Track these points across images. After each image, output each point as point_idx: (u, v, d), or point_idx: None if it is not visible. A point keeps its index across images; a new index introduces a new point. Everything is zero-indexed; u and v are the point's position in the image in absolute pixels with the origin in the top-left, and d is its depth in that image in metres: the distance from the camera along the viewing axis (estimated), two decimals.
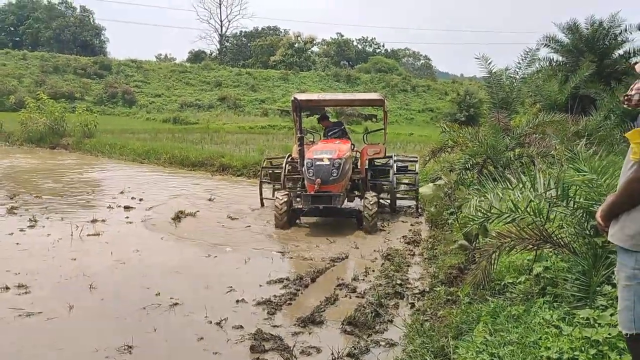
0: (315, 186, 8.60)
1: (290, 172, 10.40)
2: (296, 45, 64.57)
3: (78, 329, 4.95)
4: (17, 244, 7.63)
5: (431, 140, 17.38)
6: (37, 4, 69.53)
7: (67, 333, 4.84)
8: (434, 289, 5.64)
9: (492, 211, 4.29)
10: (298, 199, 9.28)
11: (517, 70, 11.82)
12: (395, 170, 10.36)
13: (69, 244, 7.70)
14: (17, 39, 68.36)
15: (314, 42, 69.04)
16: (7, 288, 5.79)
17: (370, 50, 78.04)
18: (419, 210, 10.46)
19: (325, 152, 8.98)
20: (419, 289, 5.91)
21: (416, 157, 11.30)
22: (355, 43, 76.98)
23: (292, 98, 10.07)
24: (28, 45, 64.31)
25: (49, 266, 6.70)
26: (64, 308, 5.31)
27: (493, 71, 11.51)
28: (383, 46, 79.30)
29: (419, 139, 27.64)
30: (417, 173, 10.69)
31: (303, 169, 9.11)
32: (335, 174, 8.70)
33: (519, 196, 4.20)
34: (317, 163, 8.72)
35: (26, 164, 17.94)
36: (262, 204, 10.76)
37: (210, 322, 5.01)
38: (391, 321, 5.05)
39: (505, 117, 11.58)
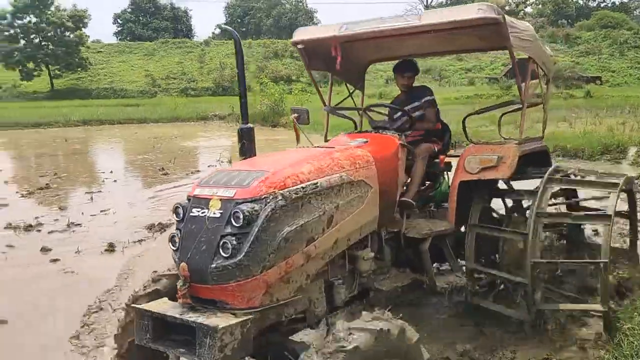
0: (180, 285, 2.87)
1: None
2: (507, 7, 60.69)
3: None
4: None
5: None
6: None
7: None
8: None
9: None
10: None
11: None
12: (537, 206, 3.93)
13: None
14: (244, 29, 76.42)
15: (527, 2, 64.17)
16: None
17: (594, 4, 69.72)
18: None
19: (231, 177, 3.06)
20: None
21: (618, 180, 4.10)
22: None
23: (293, 40, 4.66)
24: (252, 34, 71.46)
25: None
26: None
27: None
28: None
29: None
30: (609, 217, 3.79)
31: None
32: (230, 252, 2.74)
33: None
34: (192, 215, 2.96)
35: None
36: None
37: None
38: None
39: None
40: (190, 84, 49.92)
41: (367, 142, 3.97)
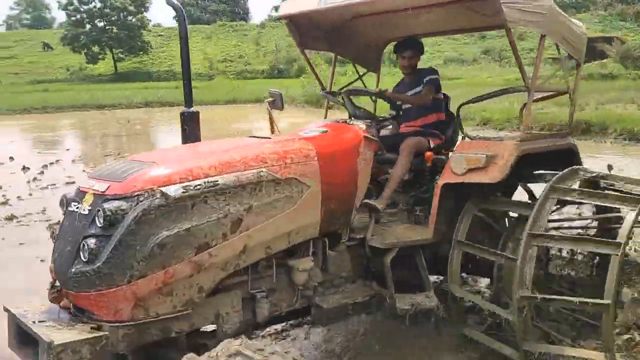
0: (48, 288, 2.68)
1: None
2: None
3: None
4: None
5: None
6: None
7: None
8: None
9: None
10: None
11: None
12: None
13: None
14: None
15: None
16: None
17: None
18: None
19: (116, 168, 2.74)
20: None
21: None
22: None
23: (279, 14, 4.25)
24: None
25: None
26: None
27: None
28: None
29: None
30: (619, 245, 2.78)
31: None
32: (88, 256, 2.41)
33: None
34: (69, 209, 2.66)
35: (301, 122, 20.41)
36: None
37: None
38: None
39: None
40: (246, 67, 50.53)
41: (326, 132, 3.37)
